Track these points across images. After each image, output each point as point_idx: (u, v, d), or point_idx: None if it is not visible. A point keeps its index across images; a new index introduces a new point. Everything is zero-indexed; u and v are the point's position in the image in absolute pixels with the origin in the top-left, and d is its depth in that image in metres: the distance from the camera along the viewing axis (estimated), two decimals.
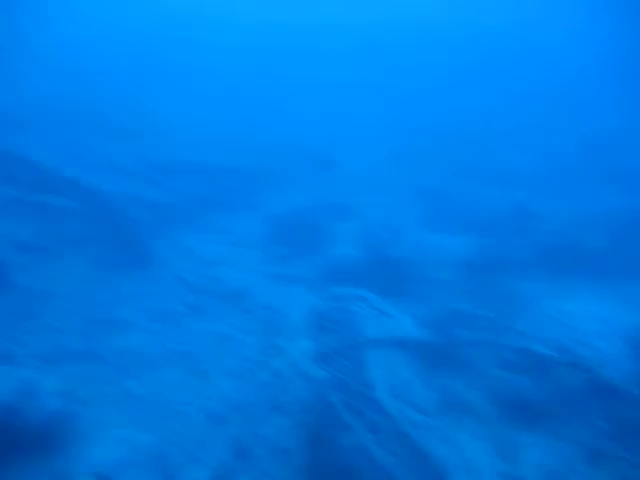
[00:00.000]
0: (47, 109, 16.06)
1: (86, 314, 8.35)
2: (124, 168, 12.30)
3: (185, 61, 26.25)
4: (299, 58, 28.71)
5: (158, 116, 17.78)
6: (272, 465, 6.02)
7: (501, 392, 6.05)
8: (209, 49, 28.88)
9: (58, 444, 6.06)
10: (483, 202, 12.74)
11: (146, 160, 12.95)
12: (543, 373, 6.08)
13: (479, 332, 6.67)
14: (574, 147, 17.25)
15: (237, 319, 8.94)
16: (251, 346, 8.22)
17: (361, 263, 9.65)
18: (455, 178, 14.87)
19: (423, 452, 5.54)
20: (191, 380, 7.38)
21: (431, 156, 17.24)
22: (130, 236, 10.30)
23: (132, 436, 6.29)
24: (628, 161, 15.75)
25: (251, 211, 12.73)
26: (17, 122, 14.19)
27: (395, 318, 7.51)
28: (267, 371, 7.64)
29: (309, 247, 10.72)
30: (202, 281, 9.94)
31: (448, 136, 19.10)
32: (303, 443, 5.96)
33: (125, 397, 6.88)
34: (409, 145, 18.42)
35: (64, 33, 27.07)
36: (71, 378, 6.91)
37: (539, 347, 6.25)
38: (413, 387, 6.09)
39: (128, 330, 8.16)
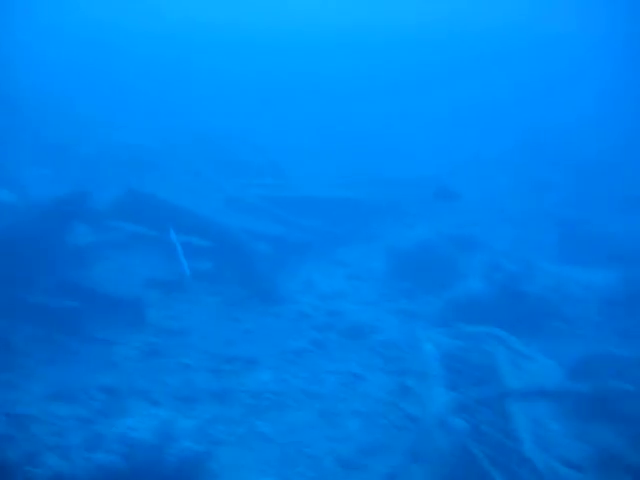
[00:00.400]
0: (166, 143, 16.76)
1: (217, 352, 8.47)
2: (247, 204, 12.56)
3: (274, 85, 26.15)
4: (399, 83, 28.23)
5: (270, 147, 18.05)
6: None
7: None
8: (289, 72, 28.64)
9: None
10: (625, 231, 11.86)
11: (267, 195, 13.18)
12: None
13: (635, 380, 6.06)
14: None
15: (362, 357, 8.76)
16: (379, 386, 8.00)
17: (491, 299, 9.19)
18: (589, 205, 14.01)
19: None
20: (320, 422, 7.25)
21: (560, 182, 16.42)
22: (255, 272, 10.44)
23: None
24: None
25: (372, 244, 12.58)
26: (141, 159, 14.90)
27: (536, 361, 7.01)
28: (398, 414, 7.39)
29: (434, 281, 10.39)
30: (325, 317, 9.87)
31: (574, 159, 18.10)
32: None
33: (256, 439, 6.84)
34: (533, 171, 17.64)
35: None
36: (205, 418, 6.97)
37: None
38: (563, 440, 5.60)
39: (257, 368, 8.18)
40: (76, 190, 9.82)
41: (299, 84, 26.56)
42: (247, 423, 7.08)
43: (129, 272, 10.16)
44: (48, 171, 13.71)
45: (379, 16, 41.27)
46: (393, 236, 12.36)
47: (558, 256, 11.65)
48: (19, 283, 8.48)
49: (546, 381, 6.42)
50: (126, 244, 10.57)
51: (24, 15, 28.15)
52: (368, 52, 32.62)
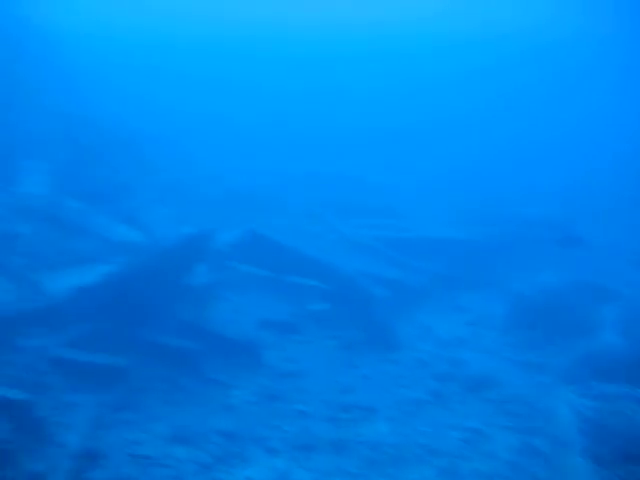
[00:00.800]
0: (279, 183, 16.93)
1: (332, 398, 8.27)
2: (364, 246, 12.44)
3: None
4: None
5: (384, 186, 17.86)
6: None
7: None
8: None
9: None
10: None
11: (383, 236, 12.99)
12: None
13: None
14: None
15: (484, 411, 8.25)
16: (503, 445, 7.46)
17: (630, 355, 8.43)
18: None
19: None
20: None
21: None
22: (372, 316, 10.24)
23: None
24: None
25: (491, 289, 12.04)
26: (257, 200, 15.16)
27: None
28: (526, 478, 6.85)
29: (562, 332, 9.72)
30: (444, 365, 9.45)
31: None
32: None
33: None
34: None
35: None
36: (321, 470, 6.77)
37: None
38: None
39: (373, 418, 7.90)
40: (198, 231, 10.09)
41: (405, 116, 26.16)
42: (364, 477, 6.79)
43: (246, 313, 10.26)
44: (170, 210, 14.23)
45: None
46: (515, 281, 11.77)
47: None
48: (140, 321, 8.72)
49: None
50: (243, 285, 10.71)
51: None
52: (459, 76, 31.42)
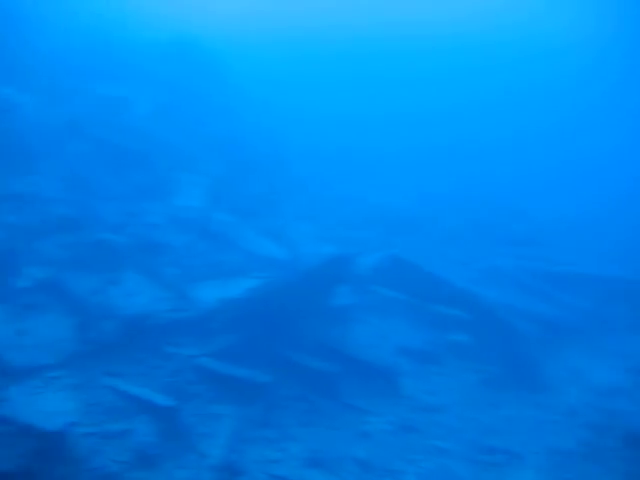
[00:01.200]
0: (425, 206, 16.47)
1: (473, 437, 7.81)
2: (511, 277, 11.79)
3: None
4: None
5: (534, 213, 16.87)
6: None
7: None
8: None
9: None
10: None
11: (530, 268, 12.23)
12: None
13: None
14: None
15: None
16: None
17: None
18: None
19: None
20: None
21: None
22: (517, 352, 9.62)
23: None
24: None
25: None
26: (400, 222, 14.84)
27: None
28: None
29: None
30: (600, 416, 8.62)
31: None
32: None
33: None
34: None
35: None
36: None
37: None
38: None
39: (520, 465, 7.36)
40: (342, 252, 10.05)
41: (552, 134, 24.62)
42: None
43: (385, 338, 10.02)
44: (313, 228, 14.33)
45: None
46: None
47: None
48: (281, 337, 8.76)
49: None
50: (384, 309, 10.49)
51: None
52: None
